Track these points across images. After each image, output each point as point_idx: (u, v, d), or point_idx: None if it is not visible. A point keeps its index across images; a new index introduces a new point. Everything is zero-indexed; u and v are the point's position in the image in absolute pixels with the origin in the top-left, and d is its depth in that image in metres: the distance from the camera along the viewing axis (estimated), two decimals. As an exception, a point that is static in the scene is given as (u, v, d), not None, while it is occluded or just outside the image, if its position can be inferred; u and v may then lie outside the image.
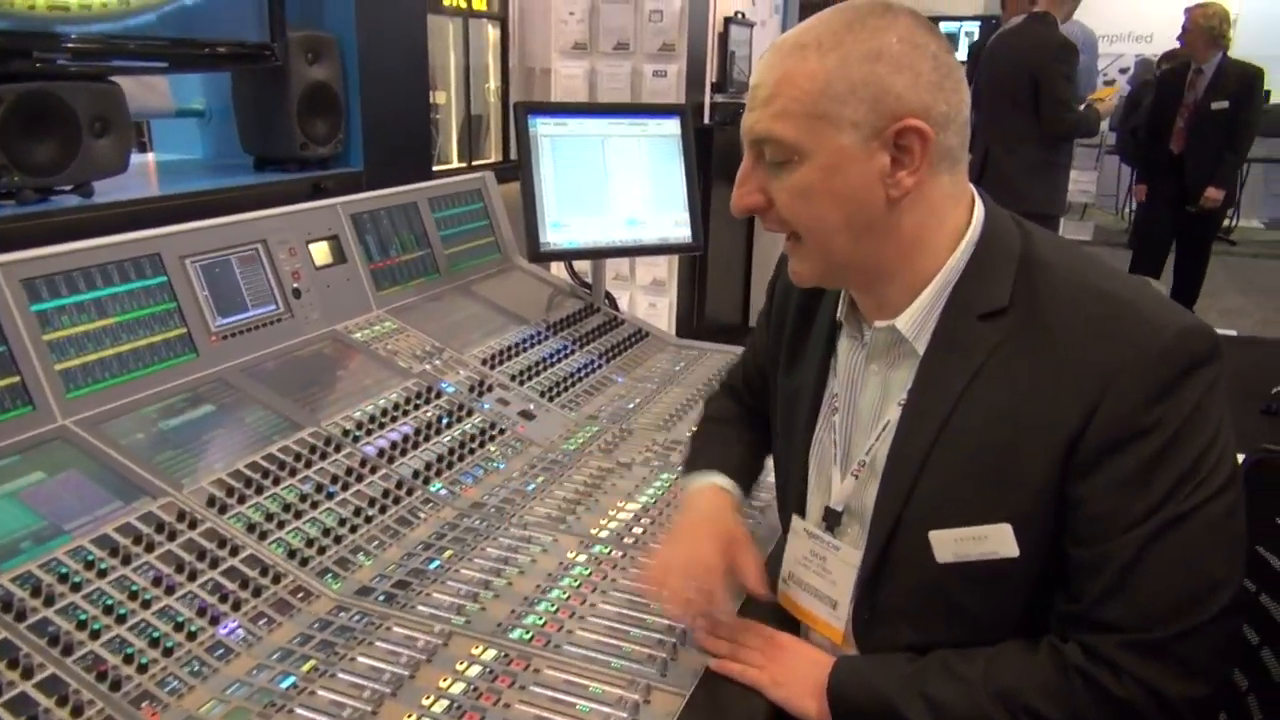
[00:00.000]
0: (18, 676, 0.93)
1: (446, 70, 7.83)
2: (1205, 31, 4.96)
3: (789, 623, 1.14)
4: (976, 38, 8.09)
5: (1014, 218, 1.01)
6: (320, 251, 1.77)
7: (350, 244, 1.83)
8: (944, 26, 8.28)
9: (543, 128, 2.00)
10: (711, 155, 4.27)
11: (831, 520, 1.07)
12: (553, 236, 2.03)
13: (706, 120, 4.54)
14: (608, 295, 2.32)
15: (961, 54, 8.42)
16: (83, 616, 1.01)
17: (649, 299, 4.41)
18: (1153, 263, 5.51)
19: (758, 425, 1.33)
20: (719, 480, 1.23)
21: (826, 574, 1.07)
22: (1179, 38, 5.22)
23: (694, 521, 1.17)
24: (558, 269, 2.44)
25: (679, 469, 1.54)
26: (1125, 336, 0.87)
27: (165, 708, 0.96)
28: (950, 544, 0.94)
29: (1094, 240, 8.17)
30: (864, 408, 1.05)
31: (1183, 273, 5.39)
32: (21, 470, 1.17)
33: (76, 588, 1.04)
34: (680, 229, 2.15)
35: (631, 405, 1.83)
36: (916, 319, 0.98)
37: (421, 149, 2.51)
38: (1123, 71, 8.95)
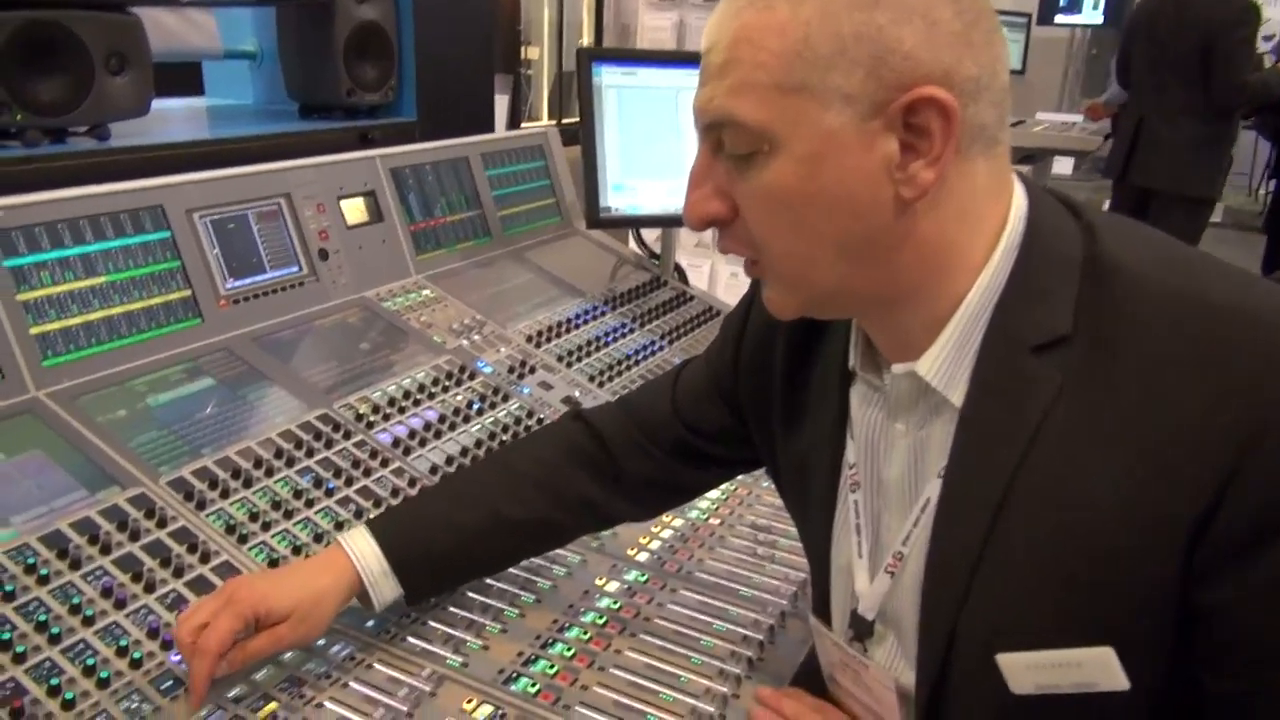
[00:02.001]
0: (-86, 710, 0.77)
1: (540, 25, 7.66)
2: None
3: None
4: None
5: (1071, 205, 0.73)
6: (353, 209, 1.59)
7: (389, 201, 1.65)
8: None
9: (608, 78, 1.77)
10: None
11: (861, 629, 0.81)
12: (614, 200, 1.81)
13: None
14: (678, 268, 2.10)
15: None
16: (7, 635, 0.85)
17: (732, 269, 4.16)
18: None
19: (570, 496, 1.00)
20: (363, 547, 0.94)
21: (868, 690, 0.82)
22: None
23: (277, 575, 0.95)
24: (626, 237, 2.22)
25: (742, 477, 1.33)
26: (1262, 370, 0.60)
27: (87, 756, 0.79)
28: (1027, 672, 0.68)
29: (1223, 223, 7.54)
30: (893, 481, 0.78)
31: None
32: (-23, 449, 1.03)
33: (9, 597, 0.89)
34: (760, 196, 1.90)
35: (692, 396, 1.61)
36: (944, 359, 0.71)
37: (483, 100, 2.31)
38: (1267, 39, 8.18)
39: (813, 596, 0.90)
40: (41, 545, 0.94)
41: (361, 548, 0.94)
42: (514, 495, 0.99)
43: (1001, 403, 0.69)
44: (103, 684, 0.85)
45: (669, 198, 1.86)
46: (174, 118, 1.99)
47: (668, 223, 1.96)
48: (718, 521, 1.23)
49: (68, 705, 0.82)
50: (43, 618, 0.88)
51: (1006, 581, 0.68)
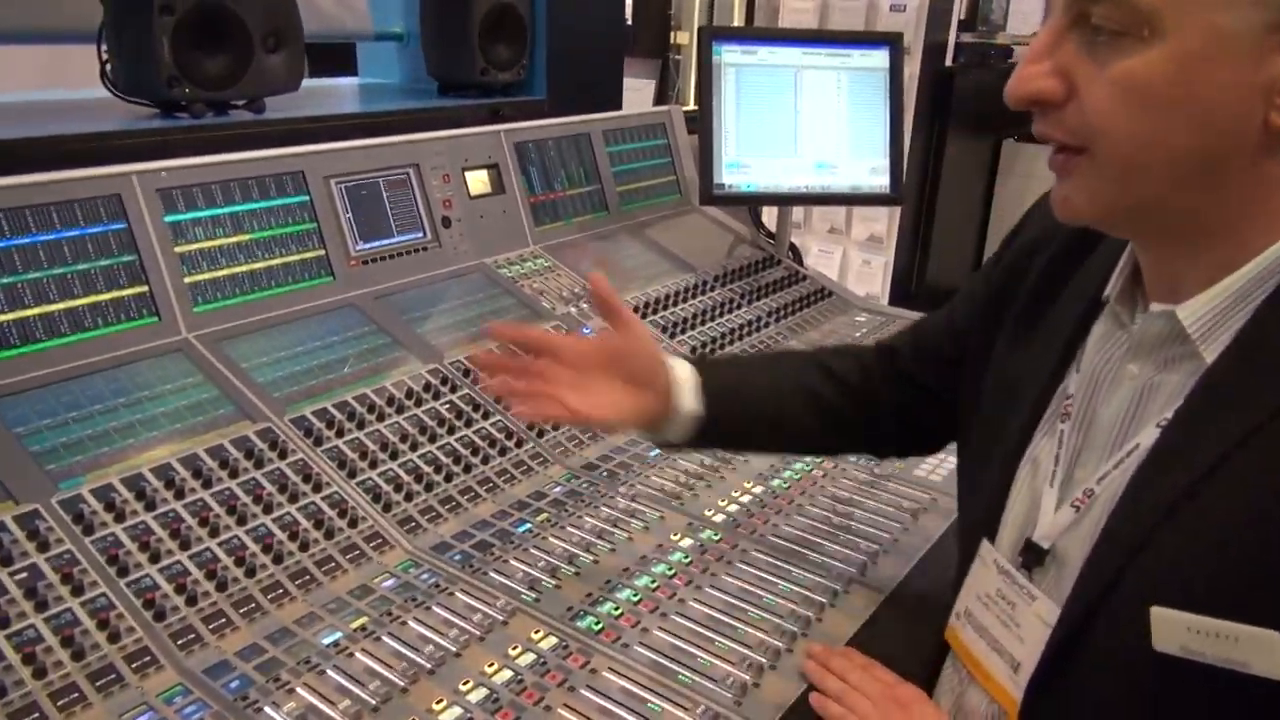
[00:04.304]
0: (68, 593, 0.90)
1: (690, 11, 7.69)
2: None
3: (925, 666, 0.90)
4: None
5: None
6: (477, 180, 1.69)
7: (511, 174, 1.74)
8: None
9: (728, 55, 1.80)
10: (951, 102, 3.84)
11: (1031, 558, 0.78)
12: (729, 177, 1.84)
13: (949, 62, 4.09)
14: (792, 248, 2.11)
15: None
16: (146, 538, 0.98)
17: (863, 256, 4.09)
18: None
19: (834, 410, 1.04)
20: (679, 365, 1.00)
21: (1013, 626, 0.79)
22: None
23: None
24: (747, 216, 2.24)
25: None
26: None
27: (203, 645, 0.91)
28: (1178, 631, 0.63)
29: None
30: (1106, 419, 0.75)
31: None
32: (134, 380, 1.17)
33: (150, 506, 1.01)
34: (877, 177, 1.89)
35: (793, 372, 1.63)
36: (1210, 311, 0.67)
37: (613, 81, 2.37)
38: None
39: (980, 518, 0.86)
40: (180, 465, 1.07)
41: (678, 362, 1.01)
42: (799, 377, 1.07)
43: (1257, 372, 0.64)
44: (222, 587, 0.96)
45: (784, 176, 1.87)
46: (325, 94, 2.16)
47: (782, 201, 1.97)
48: (799, 492, 1.25)
49: (191, 601, 0.94)
50: (177, 526, 1.00)
51: (1192, 543, 0.64)
